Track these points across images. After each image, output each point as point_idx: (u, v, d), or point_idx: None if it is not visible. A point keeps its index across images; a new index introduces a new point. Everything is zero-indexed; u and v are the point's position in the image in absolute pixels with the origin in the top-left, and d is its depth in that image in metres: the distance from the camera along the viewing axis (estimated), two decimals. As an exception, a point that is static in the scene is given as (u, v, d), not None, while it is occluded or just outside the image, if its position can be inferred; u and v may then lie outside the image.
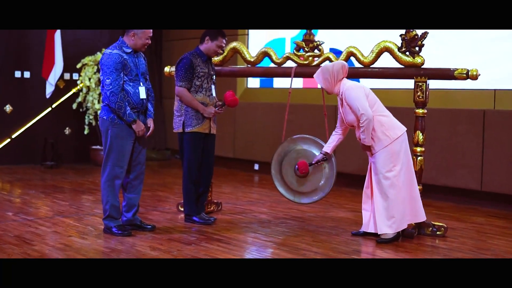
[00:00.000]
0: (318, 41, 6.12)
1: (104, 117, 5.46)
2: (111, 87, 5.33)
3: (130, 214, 5.65)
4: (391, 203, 5.37)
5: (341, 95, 5.45)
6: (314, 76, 5.56)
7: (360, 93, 5.37)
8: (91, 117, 10.15)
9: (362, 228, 5.68)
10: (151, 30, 5.49)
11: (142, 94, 5.49)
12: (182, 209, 6.57)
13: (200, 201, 6.14)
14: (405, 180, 5.43)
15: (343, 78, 5.50)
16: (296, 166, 5.85)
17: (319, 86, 6.19)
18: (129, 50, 5.46)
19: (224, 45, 6.07)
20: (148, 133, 5.57)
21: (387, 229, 5.39)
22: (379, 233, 5.44)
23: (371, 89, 5.56)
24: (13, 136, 10.12)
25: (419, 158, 5.69)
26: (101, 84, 5.47)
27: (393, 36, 5.98)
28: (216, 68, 6.43)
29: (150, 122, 5.59)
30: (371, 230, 5.58)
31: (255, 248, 5.38)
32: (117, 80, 5.34)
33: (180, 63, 5.96)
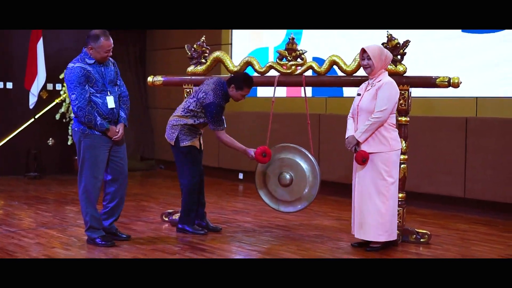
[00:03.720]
0: (301, 50, 6.14)
1: (75, 129, 5.46)
2: (77, 102, 5.31)
3: (108, 223, 5.65)
4: (388, 211, 5.35)
5: (379, 82, 5.36)
6: (371, 47, 5.38)
7: (396, 97, 5.39)
8: (74, 127, 10.10)
9: (357, 236, 5.56)
10: (110, 44, 5.40)
11: (110, 104, 5.44)
12: (166, 219, 6.56)
13: (199, 211, 6.17)
14: (395, 193, 5.44)
15: (385, 69, 5.49)
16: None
17: (302, 95, 6.19)
18: (91, 61, 5.41)
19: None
20: (117, 137, 5.50)
21: (380, 237, 5.37)
22: (372, 240, 5.42)
23: (352, 97, 5.59)
24: (-4, 147, 10.06)
25: (402, 165, 5.71)
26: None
27: (375, 42, 6.00)
28: (199, 77, 6.44)
29: (120, 127, 5.53)
30: (361, 236, 5.51)
31: (240, 257, 5.37)
32: (82, 94, 5.31)
33: (213, 108, 5.84)
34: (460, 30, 7.52)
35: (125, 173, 5.65)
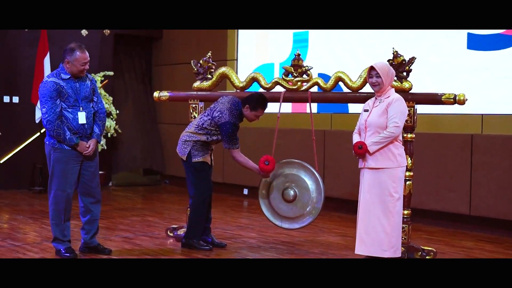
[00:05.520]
0: (307, 66, 6.15)
1: (47, 142, 5.54)
2: (47, 115, 5.39)
3: (88, 236, 5.73)
4: (393, 227, 5.32)
5: (387, 98, 5.35)
6: (379, 64, 5.38)
7: (406, 114, 5.41)
8: (79, 142, 10.11)
9: (360, 252, 5.49)
10: (86, 56, 5.46)
11: (81, 119, 5.49)
12: (171, 234, 6.55)
13: (206, 227, 6.19)
14: (400, 209, 5.42)
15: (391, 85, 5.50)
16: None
17: (307, 111, 6.19)
18: (67, 76, 5.47)
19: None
20: (87, 152, 5.53)
21: (385, 253, 5.34)
22: (376, 256, 5.38)
23: (358, 113, 5.59)
24: (1, 161, 10.07)
25: (407, 182, 5.70)
26: None
27: (380, 59, 6.02)
28: (205, 93, 6.46)
29: (91, 142, 5.56)
30: (363, 252, 5.48)
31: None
32: (52, 108, 5.38)
33: (229, 127, 5.87)
34: (465, 47, 7.53)
35: (95, 188, 5.71)
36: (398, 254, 5.40)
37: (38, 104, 9.71)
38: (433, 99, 5.72)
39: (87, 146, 5.51)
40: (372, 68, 5.39)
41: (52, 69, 9.80)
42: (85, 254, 5.72)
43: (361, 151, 5.31)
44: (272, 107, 6.42)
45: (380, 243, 5.32)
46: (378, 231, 5.32)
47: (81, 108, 5.49)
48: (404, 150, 5.57)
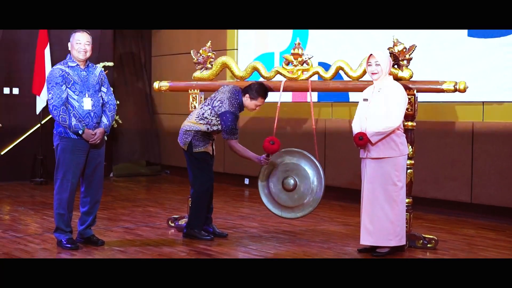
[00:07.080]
0: (307, 55, 6.13)
1: (54, 132, 5.57)
2: (52, 101, 5.42)
3: (82, 228, 5.73)
4: (397, 216, 5.33)
5: (386, 87, 5.35)
6: (380, 52, 5.38)
7: (406, 101, 5.40)
8: (80, 133, 10.10)
9: (366, 242, 5.51)
10: (84, 35, 5.48)
11: (87, 105, 5.47)
12: (172, 225, 6.56)
13: (207, 217, 6.19)
14: (404, 197, 5.42)
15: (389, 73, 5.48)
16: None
17: (308, 100, 6.19)
18: (74, 64, 5.51)
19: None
20: (93, 140, 5.50)
21: (391, 242, 5.34)
22: (382, 245, 5.39)
23: (358, 102, 5.58)
24: (2, 153, 10.06)
25: (408, 171, 5.69)
26: None
27: (381, 47, 6.00)
28: (205, 83, 6.45)
29: (98, 130, 5.53)
30: (369, 242, 5.47)
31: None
32: (57, 94, 5.40)
33: (229, 116, 5.83)
34: (466, 35, 7.50)
35: (98, 179, 5.70)
36: (403, 242, 5.42)
37: (43, 95, 9.72)
38: (434, 87, 5.70)
39: (93, 133, 5.49)
40: (371, 56, 5.38)
41: (52, 60, 9.80)
42: (86, 246, 5.71)
43: (362, 142, 5.32)
44: (272, 97, 6.41)
45: (386, 233, 5.33)
46: (383, 220, 5.33)
47: (87, 95, 5.48)
48: (405, 138, 5.57)
